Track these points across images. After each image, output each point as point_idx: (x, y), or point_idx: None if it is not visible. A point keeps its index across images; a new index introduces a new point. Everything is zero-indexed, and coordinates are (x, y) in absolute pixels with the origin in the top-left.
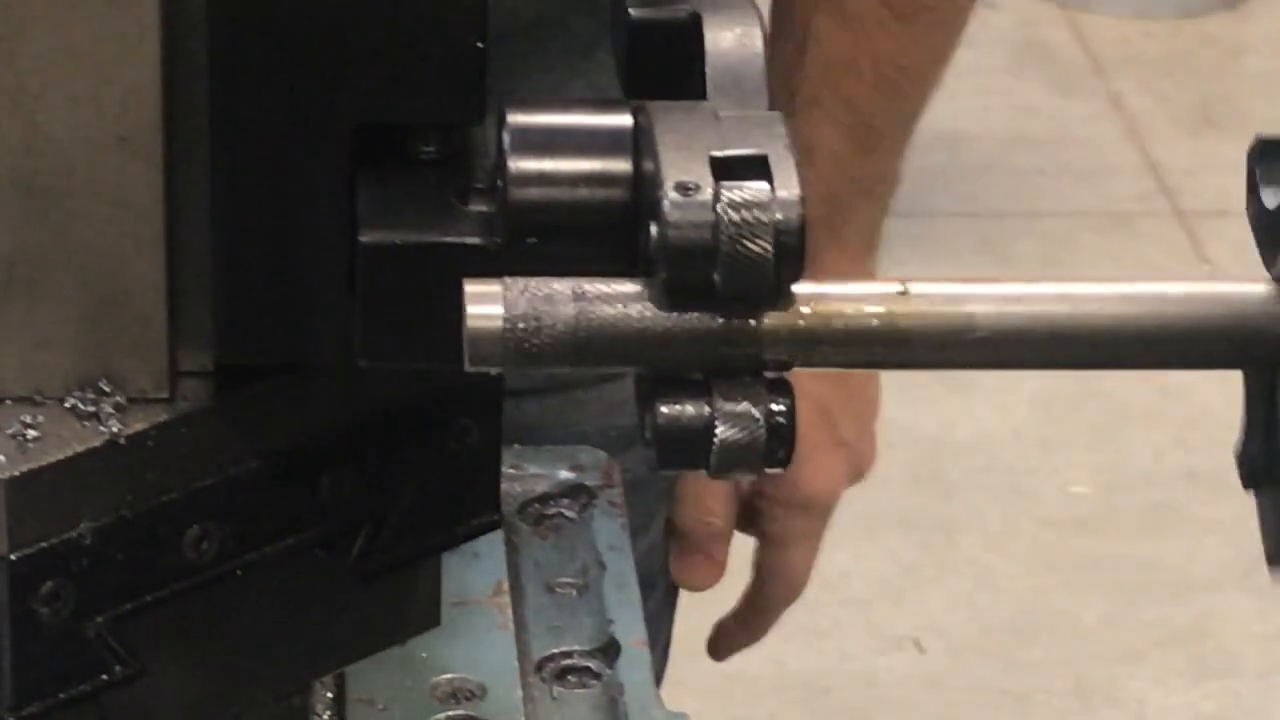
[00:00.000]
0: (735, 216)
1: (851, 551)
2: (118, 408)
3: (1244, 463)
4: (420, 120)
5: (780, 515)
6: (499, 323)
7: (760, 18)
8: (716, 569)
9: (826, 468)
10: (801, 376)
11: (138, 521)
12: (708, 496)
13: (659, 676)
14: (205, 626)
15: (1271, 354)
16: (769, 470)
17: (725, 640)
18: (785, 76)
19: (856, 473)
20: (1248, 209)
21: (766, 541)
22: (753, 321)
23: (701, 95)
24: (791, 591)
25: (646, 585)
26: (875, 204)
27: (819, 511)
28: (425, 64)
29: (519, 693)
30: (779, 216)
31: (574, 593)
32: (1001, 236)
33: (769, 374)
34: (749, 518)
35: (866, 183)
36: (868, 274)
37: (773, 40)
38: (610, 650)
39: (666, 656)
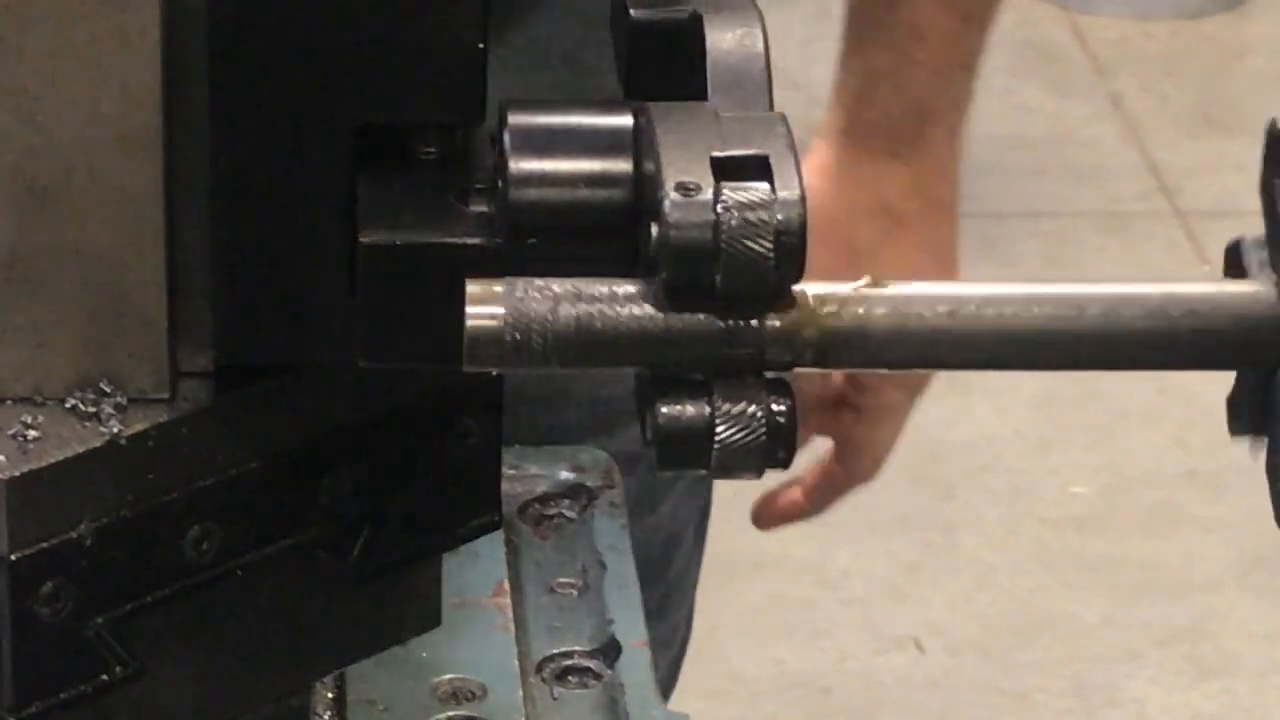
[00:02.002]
0: (736, 217)
1: (851, 551)
2: (118, 408)
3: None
4: (421, 120)
5: (881, 388)
6: (499, 323)
7: (761, 17)
8: (804, 435)
9: None
10: (905, 237)
11: (138, 522)
12: None
13: (685, 641)
14: (205, 627)
15: (1272, 356)
16: (771, 469)
17: (778, 511)
18: None
19: None
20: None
21: (860, 417)
22: (754, 322)
23: (702, 96)
24: (871, 469)
25: (675, 540)
26: (971, 79)
27: (917, 386)
28: (425, 64)
29: (519, 693)
30: (780, 217)
31: (574, 593)
32: (1001, 236)
33: (770, 374)
34: (841, 392)
35: (970, 57)
36: (958, 150)
37: None
38: (611, 651)
39: (690, 626)
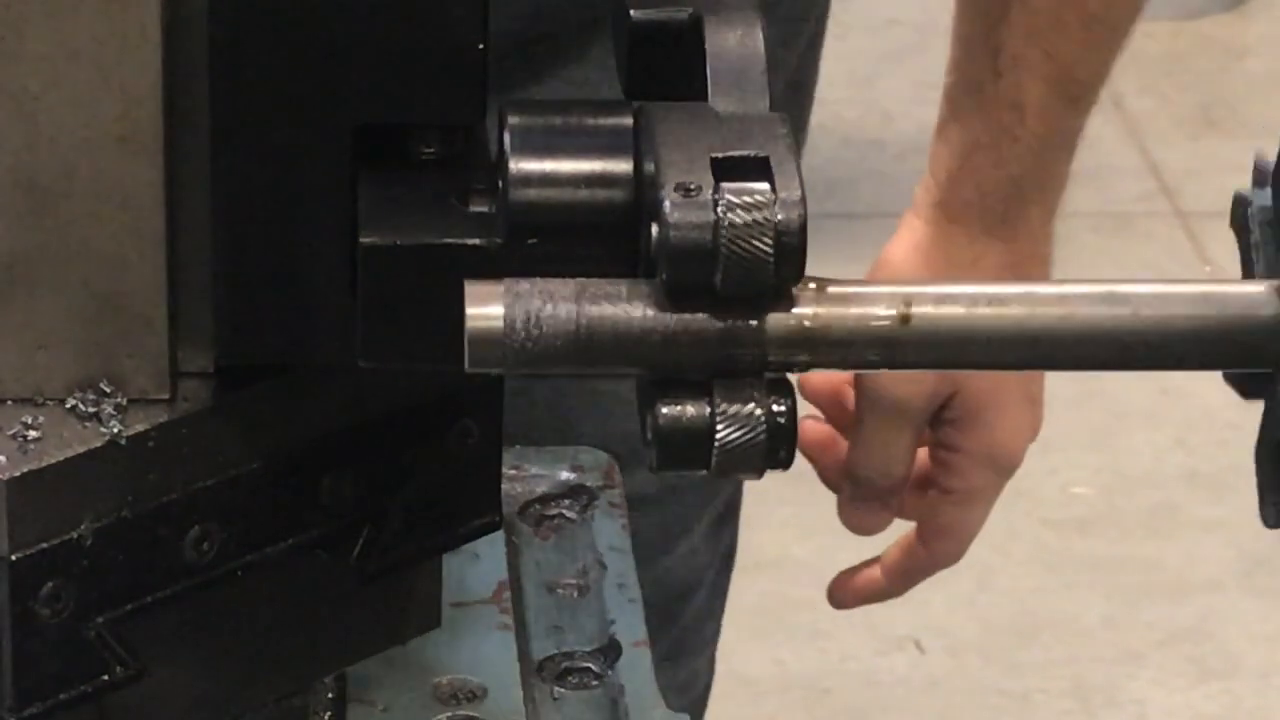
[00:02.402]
0: (736, 218)
1: (852, 552)
2: (118, 408)
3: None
4: (421, 121)
5: (970, 470)
6: (500, 323)
7: (761, 18)
8: (889, 517)
9: (1019, 423)
10: None
11: (138, 522)
12: (893, 446)
13: (707, 686)
14: (206, 627)
15: (1272, 356)
16: (771, 469)
17: (855, 589)
18: (986, 36)
19: (1034, 432)
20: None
21: (948, 497)
22: (753, 322)
23: (703, 96)
24: (957, 552)
25: (688, 588)
26: (1069, 161)
27: (1007, 469)
28: (426, 65)
29: (519, 693)
30: (780, 217)
31: (575, 593)
32: None
33: (770, 374)
34: (927, 472)
35: (1070, 135)
36: (1052, 233)
37: (970, 3)
38: (611, 651)
39: (712, 672)
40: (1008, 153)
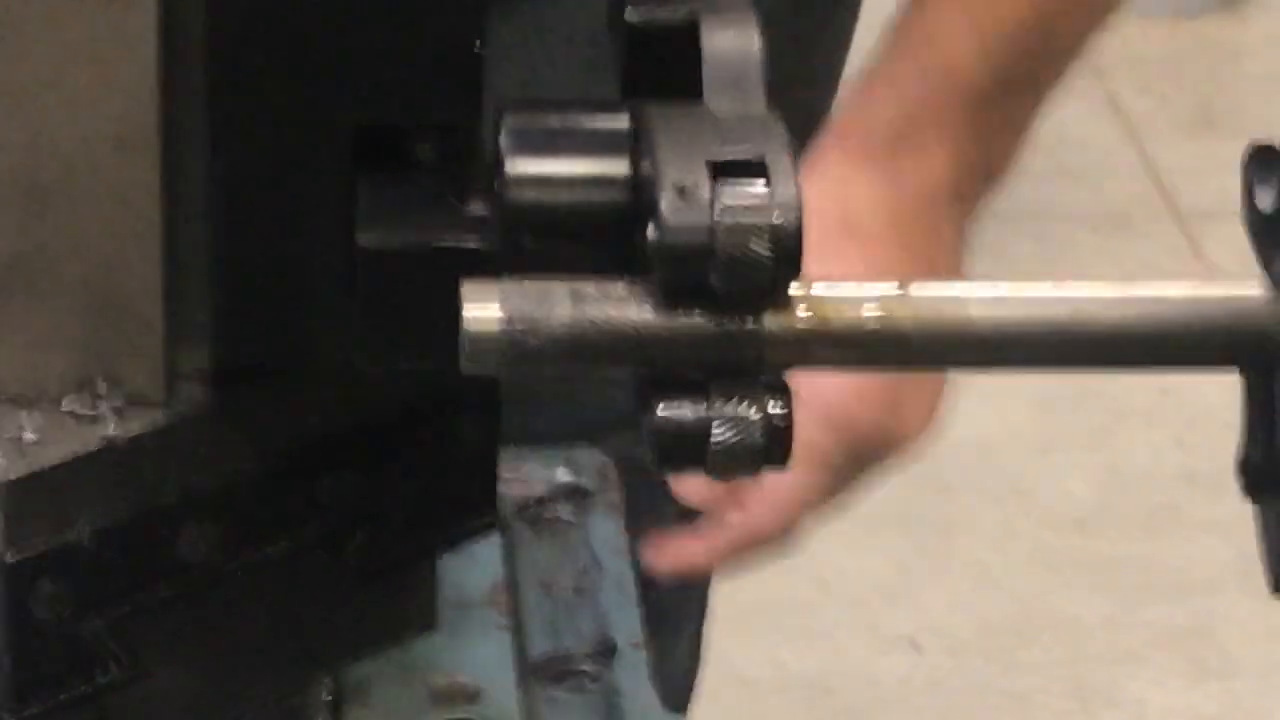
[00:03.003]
0: (732, 219)
1: (850, 551)
2: (116, 410)
3: (1246, 472)
4: (419, 122)
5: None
6: (497, 324)
7: (758, 18)
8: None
9: (863, 385)
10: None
11: (136, 523)
12: None
13: (688, 671)
14: (204, 627)
15: (1270, 355)
16: (768, 470)
17: (672, 553)
18: None
19: (888, 404)
20: (1242, 212)
21: None
22: (750, 323)
23: (699, 97)
24: (772, 522)
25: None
26: (985, 118)
27: (840, 429)
28: (424, 65)
29: (516, 695)
30: (776, 218)
31: (571, 594)
32: (1001, 236)
33: (767, 375)
34: None
35: (980, 91)
36: (952, 199)
37: None
38: (608, 652)
39: (693, 660)
40: (908, 83)
